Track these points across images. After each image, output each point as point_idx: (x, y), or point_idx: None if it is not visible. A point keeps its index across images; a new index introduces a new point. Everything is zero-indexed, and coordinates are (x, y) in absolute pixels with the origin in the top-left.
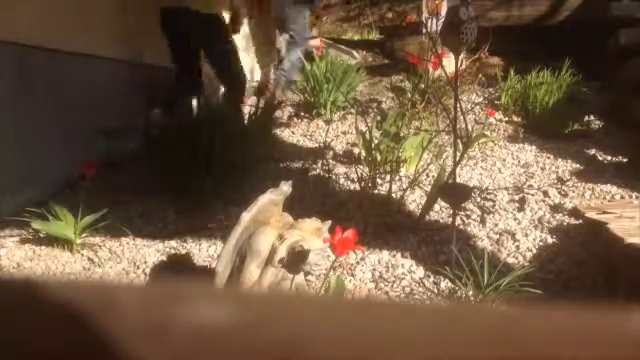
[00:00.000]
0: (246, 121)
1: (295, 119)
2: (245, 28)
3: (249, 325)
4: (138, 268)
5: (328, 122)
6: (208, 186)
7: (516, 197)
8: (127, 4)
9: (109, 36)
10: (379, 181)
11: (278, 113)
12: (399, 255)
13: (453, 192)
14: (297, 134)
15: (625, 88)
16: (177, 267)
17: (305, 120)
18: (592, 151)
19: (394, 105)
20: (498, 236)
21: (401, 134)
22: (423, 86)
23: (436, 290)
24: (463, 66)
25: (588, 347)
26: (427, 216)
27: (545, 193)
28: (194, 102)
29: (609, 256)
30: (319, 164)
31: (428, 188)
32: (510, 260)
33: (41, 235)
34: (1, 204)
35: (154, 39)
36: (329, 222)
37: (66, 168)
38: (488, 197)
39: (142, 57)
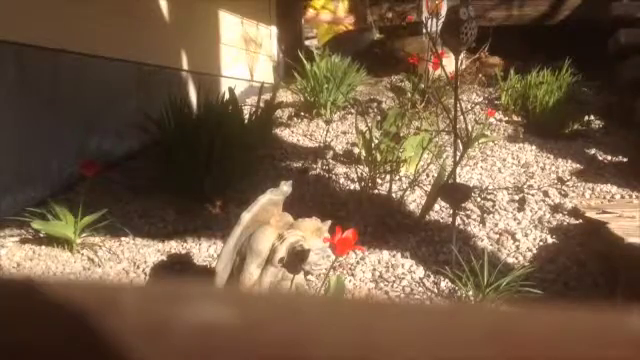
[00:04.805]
0: (246, 121)
1: (295, 119)
2: (245, 30)
3: (249, 325)
4: (138, 268)
5: (328, 122)
6: (208, 186)
7: (516, 197)
8: (129, 6)
9: (110, 36)
10: (379, 181)
11: (278, 113)
12: (399, 255)
13: (453, 192)
14: (297, 134)
15: (625, 88)
16: (177, 267)
17: (305, 120)
18: (592, 151)
19: (394, 105)
20: (498, 236)
21: (401, 134)
22: (423, 86)
23: (436, 290)
24: (463, 66)
25: (588, 347)
26: (427, 216)
27: (545, 193)
28: None
29: (609, 256)
30: (319, 164)
31: (428, 188)
32: (510, 260)
33: (41, 235)
34: (1, 204)
35: (157, 40)
36: (329, 222)
37: (66, 168)
38: (488, 197)
39: (144, 57)
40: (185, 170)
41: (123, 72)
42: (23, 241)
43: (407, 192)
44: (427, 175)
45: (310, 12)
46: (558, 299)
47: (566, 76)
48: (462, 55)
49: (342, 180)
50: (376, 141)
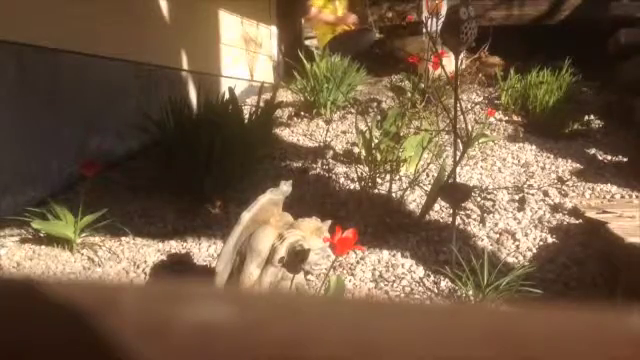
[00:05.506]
0: (246, 121)
1: (295, 119)
2: (246, 30)
3: (249, 325)
4: (138, 268)
5: (328, 122)
6: (208, 186)
7: (516, 197)
8: (129, 5)
9: (110, 36)
10: (379, 181)
11: (278, 113)
12: (399, 255)
13: (453, 192)
14: (297, 134)
15: (625, 88)
16: (177, 267)
17: (305, 120)
18: (592, 151)
19: (394, 105)
20: (498, 236)
21: (401, 134)
22: (423, 86)
23: (436, 290)
24: (463, 65)
25: (588, 347)
26: (427, 216)
27: (545, 193)
28: None
29: (609, 256)
30: (319, 164)
31: (428, 188)
32: (510, 260)
33: (41, 235)
34: (1, 204)
35: (157, 40)
36: (329, 222)
37: (66, 168)
38: (488, 197)
39: (144, 57)
40: (185, 170)
41: (123, 72)
42: (23, 241)
43: (407, 192)
44: (427, 175)
45: (313, 10)
46: (558, 299)
47: (566, 76)
48: (462, 55)
49: (342, 180)
50: (376, 141)
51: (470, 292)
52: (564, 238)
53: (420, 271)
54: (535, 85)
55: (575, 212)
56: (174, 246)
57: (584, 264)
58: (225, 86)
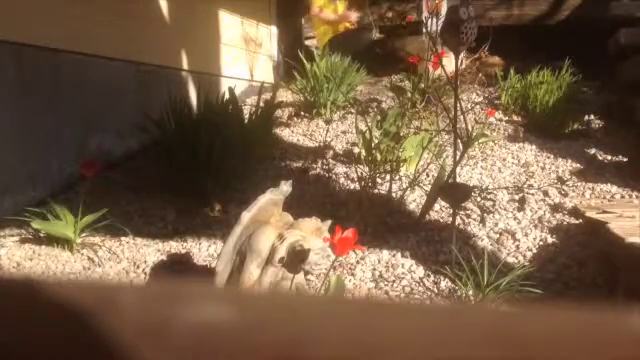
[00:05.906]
0: (246, 121)
1: (295, 119)
2: (246, 30)
3: (249, 325)
4: (138, 268)
5: (328, 122)
6: (208, 186)
7: (516, 197)
8: (129, 6)
9: (110, 36)
10: (379, 181)
11: (278, 113)
12: (399, 255)
13: (453, 192)
14: (297, 134)
15: (625, 88)
16: (177, 267)
17: (305, 120)
18: (592, 151)
19: (394, 105)
20: (498, 236)
21: (401, 134)
22: (423, 86)
23: (436, 290)
24: (463, 65)
25: (588, 347)
26: (427, 216)
27: (545, 193)
28: None
29: (609, 256)
30: (319, 164)
31: (428, 188)
32: (510, 260)
33: (41, 235)
34: (1, 204)
35: (157, 40)
36: (329, 222)
37: (66, 168)
38: (488, 197)
39: (144, 57)
40: (185, 170)
41: (123, 72)
42: (23, 241)
43: (407, 192)
44: (427, 175)
45: (315, 9)
46: (558, 299)
47: (566, 76)
48: (462, 55)
49: (342, 180)
50: (376, 141)
51: (470, 292)
52: (564, 238)
53: (420, 271)
54: (535, 85)
55: (575, 212)
56: (174, 246)
57: (584, 264)
58: (225, 86)
